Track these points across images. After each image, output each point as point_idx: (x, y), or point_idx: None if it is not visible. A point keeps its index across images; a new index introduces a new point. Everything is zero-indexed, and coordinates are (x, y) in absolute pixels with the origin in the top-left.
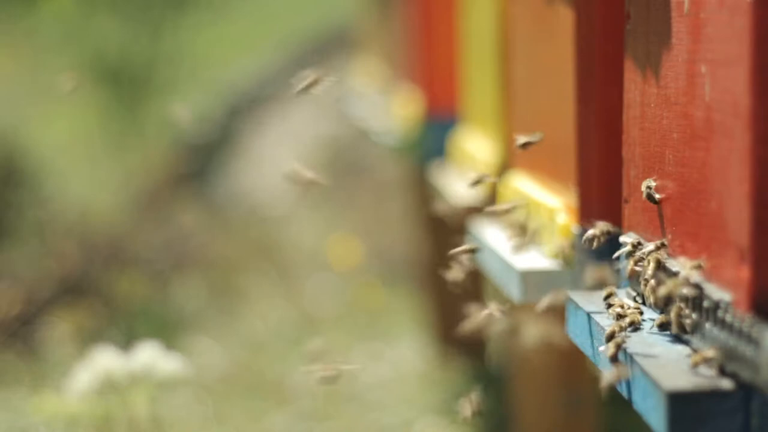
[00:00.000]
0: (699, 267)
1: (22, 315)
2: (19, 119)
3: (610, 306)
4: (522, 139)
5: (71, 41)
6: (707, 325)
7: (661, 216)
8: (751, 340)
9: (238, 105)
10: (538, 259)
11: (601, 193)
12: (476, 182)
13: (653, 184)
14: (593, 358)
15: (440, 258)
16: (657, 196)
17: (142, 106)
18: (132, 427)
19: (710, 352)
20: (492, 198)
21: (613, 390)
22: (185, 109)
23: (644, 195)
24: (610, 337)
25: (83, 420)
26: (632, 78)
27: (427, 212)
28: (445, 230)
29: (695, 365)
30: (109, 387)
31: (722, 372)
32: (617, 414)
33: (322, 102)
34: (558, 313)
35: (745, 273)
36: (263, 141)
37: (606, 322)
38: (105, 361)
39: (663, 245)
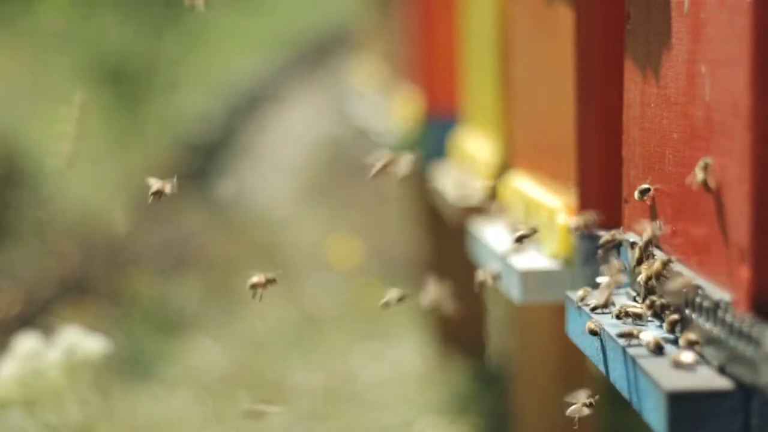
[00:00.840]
0: (669, 262)
1: (22, 315)
2: (19, 119)
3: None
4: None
5: (72, 41)
6: (707, 325)
7: (655, 215)
8: (751, 340)
9: (238, 105)
10: (538, 259)
11: (601, 193)
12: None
13: (645, 187)
14: (593, 358)
15: (440, 258)
16: (646, 189)
17: (143, 106)
18: (60, 407)
19: (693, 335)
20: (492, 198)
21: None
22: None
23: (636, 196)
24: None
25: (12, 404)
26: (632, 78)
27: (428, 212)
28: (446, 230)
29: (683, 346)
30: (34, 372)
31: (722, 372)
32: (617, 414)
33: (322, 102)
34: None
35: (745, 273)
36: (263, 141)
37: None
38: (27, 347)
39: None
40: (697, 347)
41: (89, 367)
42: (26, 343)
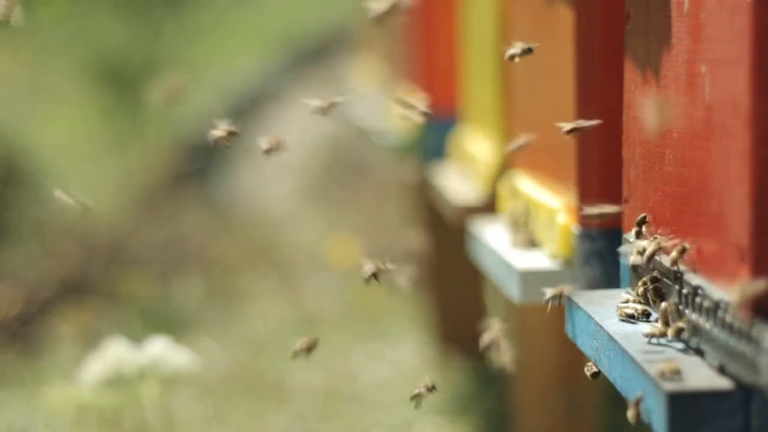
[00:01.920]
0: (683, 250)
1: (22, 315)
2: (19, 119)
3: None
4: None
5: (72, 41)
6: (707, 325)
7: (653, 217)
8: (751, 340)
9: (238, 105)
10: (538, 259)
11: (601, 193)
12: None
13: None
14: (594, 359)
15: (440, 258)
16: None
17: (143, 106)
18: (140, 419)
19: (681, 323)
20: (492, 198)
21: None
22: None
23: (634, 233)
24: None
25: (92, 411)
26: (632, 78)
27: (428, 212)
28: (445, 230)
29: (671, 334)
30: (119, 379)
31: (722, 372)
32: (617, 414)
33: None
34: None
35: (745, 273)
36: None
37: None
38: (116, 352)
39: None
40: (684, 333)
41: (175, 379)
42: (114, 347)
